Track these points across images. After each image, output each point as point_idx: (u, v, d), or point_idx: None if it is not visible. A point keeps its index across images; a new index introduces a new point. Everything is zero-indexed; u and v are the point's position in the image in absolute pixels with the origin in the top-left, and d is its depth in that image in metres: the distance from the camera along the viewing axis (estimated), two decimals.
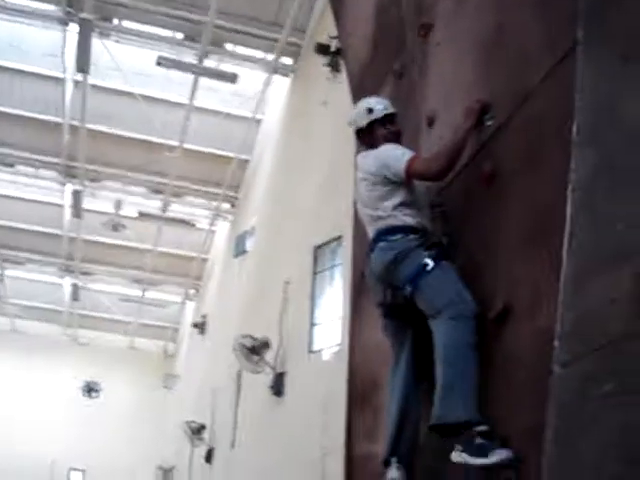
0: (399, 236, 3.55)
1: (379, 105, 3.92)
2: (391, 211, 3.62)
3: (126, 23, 12.68)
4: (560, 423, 1.86)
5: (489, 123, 3.52)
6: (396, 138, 3.85)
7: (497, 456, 2.86)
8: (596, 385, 1.75)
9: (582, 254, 2.06)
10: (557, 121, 2.85)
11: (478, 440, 2.98)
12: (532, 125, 3.13)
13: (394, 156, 3.64)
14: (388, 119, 3.88)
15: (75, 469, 23.10)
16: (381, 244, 3.60)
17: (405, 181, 3.62)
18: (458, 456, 3.04)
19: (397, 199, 3.63)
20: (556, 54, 2.90)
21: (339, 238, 8.58)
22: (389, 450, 3.50)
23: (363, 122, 3.88)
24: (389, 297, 3.68)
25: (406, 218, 3.59)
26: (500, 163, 3.37)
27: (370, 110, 3.88)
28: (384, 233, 3.61)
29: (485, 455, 2.91)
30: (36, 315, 22.83)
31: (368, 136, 3.89)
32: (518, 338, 2.92)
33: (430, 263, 3.42)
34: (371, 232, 3.75)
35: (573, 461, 1.78)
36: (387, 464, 3.48)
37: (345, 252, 7.96)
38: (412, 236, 3.54)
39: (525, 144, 3.19)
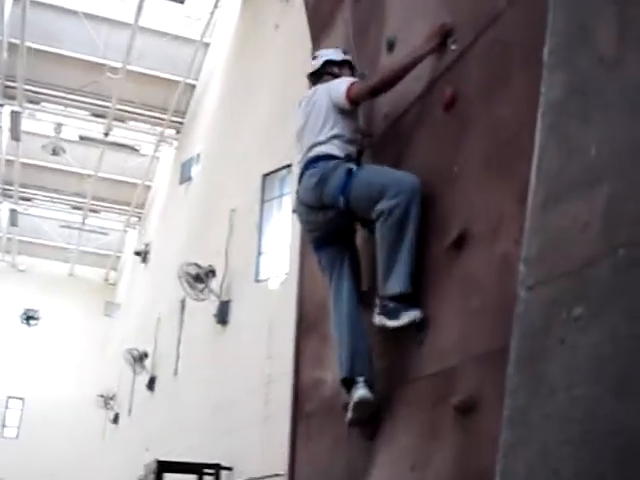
0: (324, 162, 3.62)
1: (331, 53, 4.10)
2: (327, 139, 3.68)
3: None
4: (524, 346, 1.84)
5: (453, 47, 3.42)
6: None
7: (407, 318, 3.18)
8: (564, 309, 1.71)
9: (552, 178, 2.00)
10: (526, 44, 2.76)
11: (390, 304, 3.24)
12: (499, 48, 3.03)
13: (338, 84, 3.78)
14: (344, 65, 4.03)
15: (14, 397, 22.92)
16: (308, 172, 3.66)
17: (347, 106, 3.71)
18: (378, 320, 3.32)
19: (335, 130, 3.70)
20: None
21: (289, 166, 8.46)
22: (348, 370, 3.49)
23: (318, 65, 4.04)
24: (321, 220, 3.69)
25: (336, 148, 3.66)
26: (463, 88, 3.28)
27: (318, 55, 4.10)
28: (312, 161, 3.67)
29: (397, 317, 3.21)
30: None
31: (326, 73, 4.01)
32: (476, 264, 2.89)
33: (354, 167, 3.56)
34: (301, 163, 3.78)
35: (536, 384, 1.75)
36: (349, 384, 3.46)
37: (295, 180, 7.86)
38: (336, 160, 3.63)
39: (491, 68, 3.09)
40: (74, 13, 13.32)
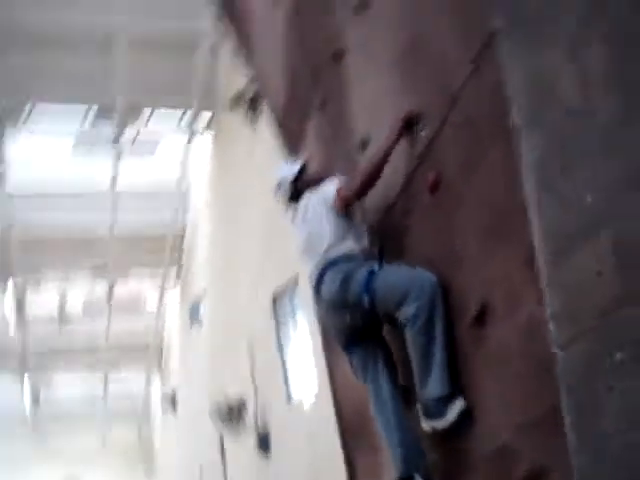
0: (344, 262, 3.66)
1: (291, 169, 4.18)
2: (339, 241, 3.74)
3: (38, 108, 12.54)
4: (573, 405, 1.81)
5: (422, 133, 3.53)
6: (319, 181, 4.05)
7: (453, 412, 3.14)
8: (605, 358, 1.71)
9: (555, 233, 2.04)
10: (492, 113, 2.86)
11: (433, 405, 3.21)
12: (468, 124, 3.13)
13: (328, 190, 3.87)
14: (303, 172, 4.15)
15: None
16: (329, 274, 3.68)
17: (339, 210, 3.80)
18: (426, 425, 3.29)
19: (342, 230, 3.78)
20: (475, 48, 2.93)
21: (296, 281, 8.50)
22: (404, 470, 3.43)
23: (286, 185, 4.14)
24: (348, 320, 3.68)
25: (351, 247, 3.72)
26: (443, 169, 3.36)
27: (280, 182, 4.18)
28: (331, 263, 3.69)
29: (443, 415, 3.17)
30: None
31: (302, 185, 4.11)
32: (502, 334, 2.88)
33: (376, 267, 3.59)
34: (317, 269, 3.79)
35: (596, 438, 1.72)
36: None
37: (304, 292, 7.87)
38: (356, 260, 3.67)
39: (464, 145, 3.18)
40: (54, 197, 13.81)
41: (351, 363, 3.85)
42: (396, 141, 3.63)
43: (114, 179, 13.26)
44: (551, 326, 1.96)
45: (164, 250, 15.74)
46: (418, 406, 3.37)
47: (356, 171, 3.96)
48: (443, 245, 3.40)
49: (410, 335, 3.35)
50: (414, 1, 3.57)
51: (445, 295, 3.32)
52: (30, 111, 12.44)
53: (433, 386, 3.24)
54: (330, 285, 3.66)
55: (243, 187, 10.91)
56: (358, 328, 3.71)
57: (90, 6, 11.09)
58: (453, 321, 3.28)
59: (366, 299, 3.50)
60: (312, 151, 4.91)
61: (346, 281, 3.58)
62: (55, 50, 11.52)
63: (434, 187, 3.40)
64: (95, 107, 12.75)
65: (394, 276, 3.53)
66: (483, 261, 3.05)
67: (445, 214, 3.35)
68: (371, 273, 3.53)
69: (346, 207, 3.83)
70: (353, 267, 3.62)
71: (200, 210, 14.67)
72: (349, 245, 3.73)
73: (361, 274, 3.55)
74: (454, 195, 3.27)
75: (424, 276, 3.39)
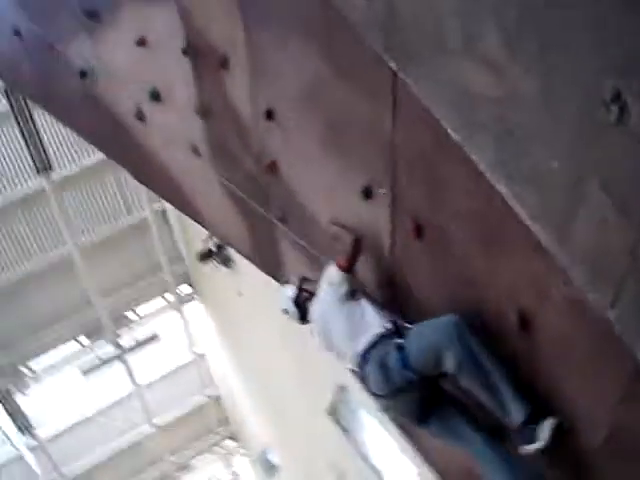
0: (373, 349, 3.62)
1: (288, 293, 4.23)
2: (362, 327, 3.70)
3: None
4: None
5: (383, 191, 3.56)
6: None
7: (546, 430, 3.03)
8: None
9: (545, 213, 2.04)
10: (428, 140, 2.91)
11: (523, 429, 3.11)
12: (415, 162, 3.18)
13: (328, 276, 3.88)
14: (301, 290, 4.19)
15: None
16: (367, 369, 3.64)
17: (347, 282, 3.80)
18: (525, 450, 3.15)
19: (359, 312, 3.75)
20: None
21: (343, 388, 8.35)
22: None
23: (292, 309, 4.19)
24: (407, 398, 3.61)
25: (376, 326, 3.66)
26: (416, 212, 3.38)
27: (286, 308, 4.22)
28: (364, 354, 3.66)
29: (538, 435, 3.05)
30: None
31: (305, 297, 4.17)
32: (551, 329, 2.82)
33: (400, 340, 3.52)
34: (356, 367, 3.75)
35: None
36: None
37: (355, 393, 7.71)
38: (383, 341, 3.62)
39: (421, 179, 3.20)
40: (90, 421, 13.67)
41: (434, 434, 3.76)
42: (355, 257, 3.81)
43: (133, 379, 13.23)
44: (590, 295, 1.94)
45: (210, 416, 15.50)
46: (512, 436, 3.28)
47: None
48: (452, 277, 3.38)
49: (465, 382, 3.30)
50: (314, 93, 3.68)
51: (479, 320, 3.28)
52: (28, 367, 12.56)
53: (514, 414, 3.16)
54: (374, 380, 3.62)
55: (252, 321, 10.89)
56: (421, 400, 3.64)
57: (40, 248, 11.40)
58: (500, 340, 3.23)
59: (410, 375, 3.46)
60: (296, 263, 4.94)
61: (384, 370, 3.53)
62: (27, 296, 11.72)
63: (418, 232, 3.42)
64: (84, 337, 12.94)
65: (419, 339, 3.47)
66: (495, 270, 3.03)
67: (440, 248, 3.34)
68: (400, 349, 3.49)
69: (350, 271, 3.83)
70: (383, 352, 3.56)
71: (223, 362, 14.56)
72: (373, 328, 3.67)
73: (393, 357, 3.50)
74: (437, 226, 3.28)
75: (444, 322, 3.35)
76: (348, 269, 3.82)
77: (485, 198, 2.71)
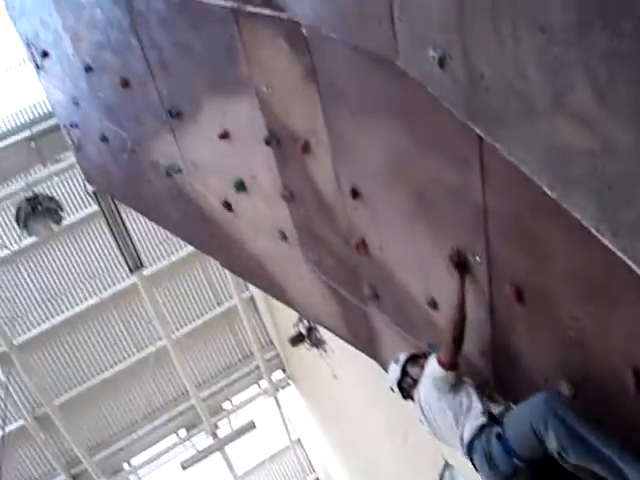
0: (477, 441, 3.57)
1: (393, 375, 4.14)
2: (467, 419, 3.67)
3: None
4: None
5: (478, 259, 3.50)
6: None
7: None
8: None
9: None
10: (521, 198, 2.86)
11: None
12: (509, 226, 3.13)
13: (431, 371, 3.81)
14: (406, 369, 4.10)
15: None
16: (474, 458, 3.60)
17: (452, 377, 3.73)
18: None
19: (465, 404, 3.71)
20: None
21: (447, 464, 8.09)
22: None
23: (396, 389, 4.14)
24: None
25: (480, 416, 3.62)
26: (514, 276, 3.30)
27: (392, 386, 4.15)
28: (469, 449, 3.63)
29: None
30: None
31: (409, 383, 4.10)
32: None
33: (498, 429, 3.46)
34: (465, 454, 3.70)
35: None
36: None
37: (459, 470, 7.44)
38: (484, 431, 3.57)
39: (519, 245, 3.15)
40: None
41: None
42: (462, 286, 3.63)
43: (232, 469, 13.18)
44: None
45: None
46: None
47: (443, 336, 3.83)
48: (558, 340, 3.26)
49: (575, 461, 3.15)
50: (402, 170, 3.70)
51: (591, 385, 3.15)
52: (129, 463, 12.71)
53: (636, 477, 2.96)
54: (482, 470, 3.58)
55: (349, 403, 10.74)
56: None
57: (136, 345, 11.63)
58: (615, 402, 3.07)
59: (517, 462, 3.37)
60: (393, 337, 4.88)
61: (491, 461, 3.48)
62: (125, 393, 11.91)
63: (519, 296, 3.33)
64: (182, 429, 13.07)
65: (516, 425, 3.38)
66: (605, 327, 2.91)
67: (542, 310, 3.25)
68: (499, 438, 3.43)
69: (453, 368, 3.74)
70: (486, 443, 3.51)
71: (321, 447, 14.34)
72: (477, 419, 3.62)
73: (496, 447, 3.44)
74: (538, 289, 3.19)
75: (537, 402, 3.24)
76: (451, 367, 3.74)
77: (588, 252, 2.63)
